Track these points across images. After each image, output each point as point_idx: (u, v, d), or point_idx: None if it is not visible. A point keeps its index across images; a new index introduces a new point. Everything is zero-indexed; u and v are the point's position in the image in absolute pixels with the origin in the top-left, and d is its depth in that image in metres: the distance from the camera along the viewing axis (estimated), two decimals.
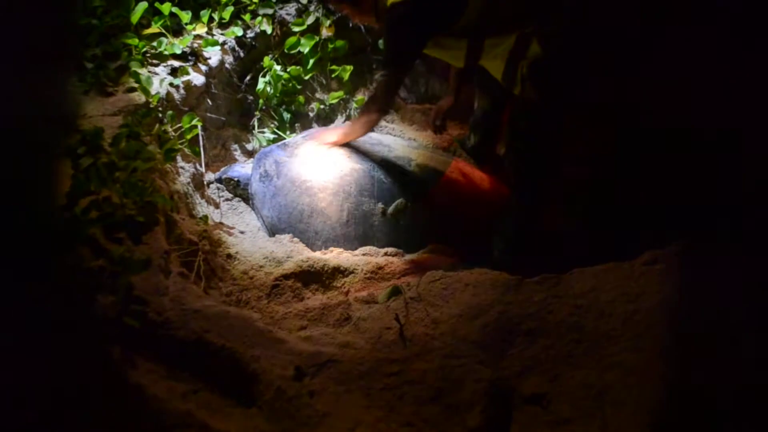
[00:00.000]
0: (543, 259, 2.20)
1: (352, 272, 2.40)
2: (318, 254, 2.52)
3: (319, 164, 2.64)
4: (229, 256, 2.40)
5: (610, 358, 1.66)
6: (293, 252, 2.50)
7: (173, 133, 2.50)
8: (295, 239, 2.58)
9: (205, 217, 2.47)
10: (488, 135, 2.84)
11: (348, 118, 3.28)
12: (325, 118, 3.31)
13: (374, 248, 2.55)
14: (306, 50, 3.09)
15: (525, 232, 2.38)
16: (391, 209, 2.58)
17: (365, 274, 2.39)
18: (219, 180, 2.85)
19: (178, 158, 2.59)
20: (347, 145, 2.68)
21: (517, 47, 2.15)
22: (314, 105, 3.30)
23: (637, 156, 2.57)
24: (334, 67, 3.25)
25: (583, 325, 1.76)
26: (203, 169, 2.71)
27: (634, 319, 1.72)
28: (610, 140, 2.68)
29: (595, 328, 1.74)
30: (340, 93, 3.25)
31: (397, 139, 2.95)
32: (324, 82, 3.33)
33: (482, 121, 2.82)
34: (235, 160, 3.07)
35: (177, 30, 2.84)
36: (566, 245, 2.39)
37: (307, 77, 3.19)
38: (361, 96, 3.31)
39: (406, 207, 2.57)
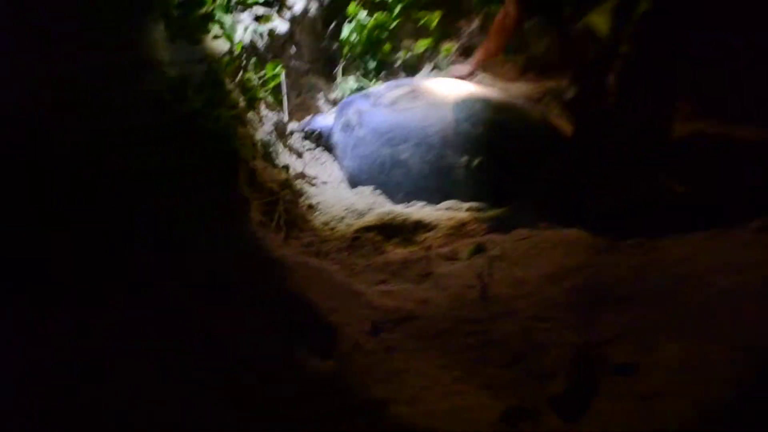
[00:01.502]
0: (637, 221, 2.08)
1: (434, 227, 2.36)
2: (399, 207, 2.49)
3: (403, 114, 2.59)
4: (310, 206, 2.42)
5: (710, 331, 1.54)
6: (374, 204, 2.49)
7: (257, 81, 2.51)
8: (377, 191, 2.56)
9: (287, 167, 2.48)
10: (588, 89, 2.71)
11: (435, 68, 3.19)
12: (412, 67, 3.23)
13: (457, 203, 2.50)
14: None
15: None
16: (475, 162, 2.51)
17: (448, 229, 2.34)
18: (302, 130, 2.86)
19: (261, 106, 2.61)
20: (433, 94, 2.63)
21: (624, 2, 2.13)
22: (400, 53, 3.22)
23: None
24: (421, 13, 3.16)
25: (681, 295, 1.66)
26: (286, 118, 2.72)
27: (738, 292, 1.59)
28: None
29: (695, 298, 1.63)
30: (428, 41, 3.16)
31: (487, 90, 2.84)
32: (411, 29, 3.25)
33: (584, 74, 2.69)
34: (318, 109, 3.07)
35: None
36: (664, 209, 2.26)
37: (393, 25, 3.12)
38: (449, 44, 3.21)
39: (488, 162, 2.50)
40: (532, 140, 2.58)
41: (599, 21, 2.20)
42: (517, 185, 2.51)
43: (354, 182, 2.66)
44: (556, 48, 2.78)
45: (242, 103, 2.32)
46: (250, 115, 2.46)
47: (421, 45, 3.16)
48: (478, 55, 2.97)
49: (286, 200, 2.26)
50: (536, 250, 1.97)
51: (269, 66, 2.52)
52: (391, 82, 2.90)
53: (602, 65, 2.46)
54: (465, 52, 3.23)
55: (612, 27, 2.16)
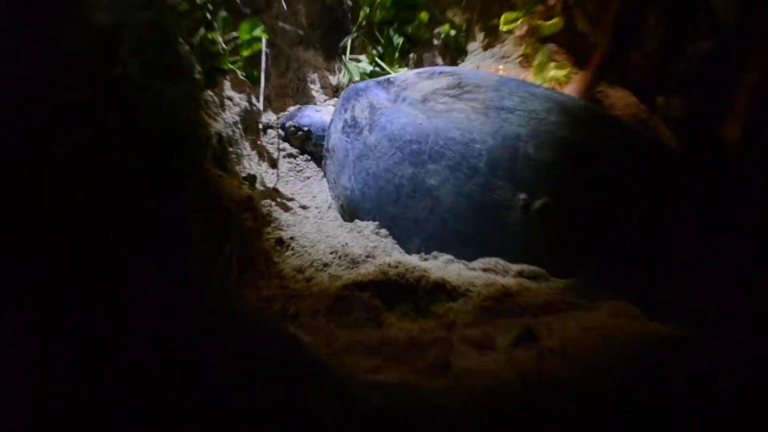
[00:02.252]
0: None
1: (462, 294, 2.34)
2: (414, 258, 2.49)
3: (438, 119, 2.61)
4: (279, 241, 2.43)
5: None
6: (377, 249, 2.49)
7: (224, 46, 2.50)
8: (383, 230, 2.57)
9: (254, 178, 2.48)
10: (705, 97, 2.74)
11: (502, 57, 3.23)
12: (456, 50, 3.24)
13: (502, 262, 2.49)
14: None
15: None
16: (538, 204, 2.49)
17: (483, 300, 2.32)
18: (282, 126, 2.89)
19: (226, 83, 2.60)
20: (486, 94, 2.65)
21: None
22: (441, 29, 3.24)
23: None
24: None
25: None
26: (261, 105, 2.73)
27: None
28: None
29: None
30: (515, 14, 3.17)
31: (569, 97, 2.84)
32: None
33: (691, 74, 2.73)
34: (310, 98, 3.11)
35: None
36: None
37: None
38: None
39: (557, 205, 2.49)
40: (630, 175, 2.57)
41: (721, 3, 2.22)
42: (597, 244, 2.51)
43: (351, 212, 2.66)
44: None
45: (198, 75, 2.30)
46: (209, 94, 2.45)
47: (508, 19, 3.18)
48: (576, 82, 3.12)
49: (246, 227, 2.25)
50: (616, 348, 1.92)
51: (244, 25, 2.51)
52: (425, 69, 2.91)
53: (723, 68, 2.51)
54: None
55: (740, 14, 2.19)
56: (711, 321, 2.28)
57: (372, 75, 3.07)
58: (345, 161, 2.67)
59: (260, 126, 2.75)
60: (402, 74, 2.88)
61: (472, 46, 3.29)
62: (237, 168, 2.54)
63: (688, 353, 1.93)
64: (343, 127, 2.72)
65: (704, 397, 1.86)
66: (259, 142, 2.75)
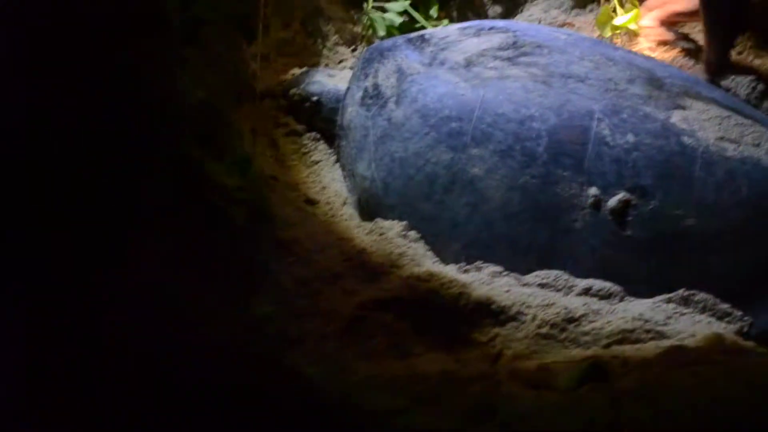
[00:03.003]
0: None
1: (513, 318, 2.39)
2: (452, 270, 2.53)
3: (485, 89, 2.63)
4: (279, 244, 2.45)
5: None
6: (404, 257, 2.52)
7: None
8: (412, 232, 2.61)
9: (247, 162, 2.51)
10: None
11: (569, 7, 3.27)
12: (508, 1, 3.31)
13: (565, 276, 2.53)
14: None
15: None
16: (613, 202, 2.54)
17: (539, 325, 2.37)
18: (285, 94, 2.92)
19: (210, 37, 2.63)
20: (550, 58, 2.71)
21: None
22: None
23: None
24: None
25: None
26: (256, 67, 2.75)
27: None
28: None
29: None
30: None
31: (659, 63, 2.87)
32: None
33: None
34: (322, 58, 3.16)
35: None
36: None
37: None
38: None
39: (639, 203, 2.54)
40: (733, 171, 2.60)
41: None
42: (692, 255, 2.55)
43: (371, 208, 2.70)
44: None
45: (175, 32, 2.35)
46: (189, 52, 2.48)
47: None
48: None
49: (235, 227, 2.30)
50: (708, 387, 1.98)
51: None
52: (471, 24, 2.94)
53: None
54: None
55: None
56: None
57: (403, 29, 3.09)
58: (364, 142, 2.70)
59: (257, 94, 2.76)
60: (441, 29, 2.89)
61: None
62: (226, 146, 2.55)
63: None
64: (362, 98, 2.74)
65: None
66: (254, 113, 2.76)
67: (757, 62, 3.23)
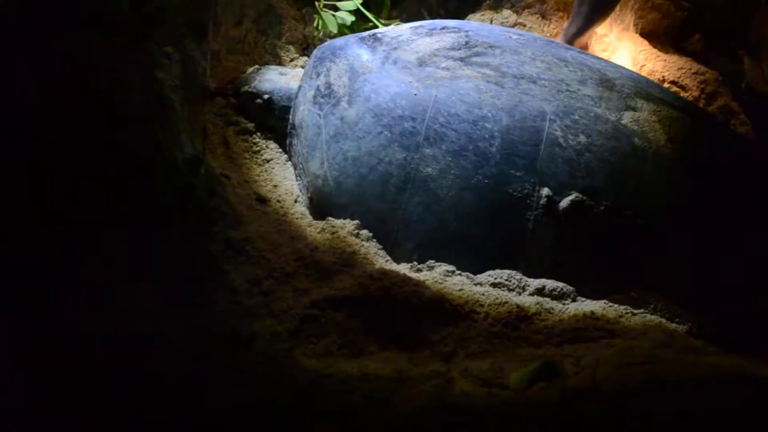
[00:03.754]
0: None
1: (465, 316, 2.39)
2: (404, 269, 2.53)
3: (439, 89, 2.64)
4: (229, 243, 2.44)
5: None
6: (356, 256, 2.51)
7: None
8: (365, 231, 2.60)
9: (197, 161, 2.49)
10: None
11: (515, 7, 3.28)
12: (460, 0, 3.32)
13: (518, 275, 2.54)
14: None
15: None
16: (565, 203, 2.56)
17: (491, 324, 2.37)
18: (236, 92, 2.91)
19: (162, 35, 2.61)
20: (502, 57, 2.72)
21: None
22: None
23: None
24: None
25: None
26: (207, 65, 2.73)
27: None
28: None
29: None
30: None
31: (610, 65, 2.89)
32: None
33: None
34: (273, 57, 3.15)
35: None
36: None
37: None
38: None
39: (591, 202, 2.56)
40: (689, 168, 2.64)
41: None
42: (642, 255, 2.57)
43: (323, 207, 2.70)
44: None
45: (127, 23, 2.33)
46: (140, 50, 2.46)
47: None
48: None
49: (184, 227, 2.30)
50: (659, 389, 2.00)
51: None
52: (424, 23, 2.94)
53: None
54: None
55: None
56: None
57: (355, 28, 3.10)
58: (316, 141, 2.69)
59: (207, 92, 2.75)
60: (393, 28, 2.89)
61: None
62: (175, 147, 2.53)
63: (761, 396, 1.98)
64: (314, 97, 2.74)
65: None
66: (203, 113, 2.73)
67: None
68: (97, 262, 2.10)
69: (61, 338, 1.98)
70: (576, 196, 2.56)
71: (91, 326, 2.00)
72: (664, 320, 2.52)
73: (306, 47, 3.14)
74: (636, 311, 2.51)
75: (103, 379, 1.94)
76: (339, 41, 2.88)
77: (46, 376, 1.93)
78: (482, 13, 3.35)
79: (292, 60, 3.17)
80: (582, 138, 2.58)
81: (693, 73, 3.20)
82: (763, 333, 2.47)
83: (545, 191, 2.57)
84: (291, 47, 3.20)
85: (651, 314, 2.52)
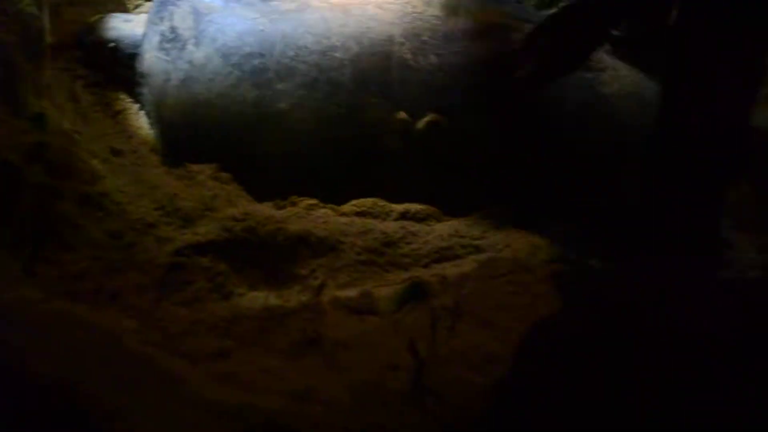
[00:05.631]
0: None
1: (332, 248, 2.40)
2: (267, 207, 2.53)
3: (285, 22, 2.64)
4: (86, 198, 2.40)
5: None
6: (217, 199, 2.51)
7: None
8: (224, 174, 2.61)
9: (42, 117, 2.46)
10: None
11: None
12: None
13: (381, 202, 2.57)
14: None
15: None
16: (422, 125, 2.57)
17: (358, 252, 2.40)
18: (81, 43, 2.87)
19: None
20: None
21: None
22: None
23: None
24: None
25: None
26: (46, 19, 2.68)
27: None
28: None
29: None
30: None
31: None
32: None
33: None
34: (117, 4, 3.12)
35: None
36: None
37: None
38: None
39: (450, 122, 2.59)
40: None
41: None
42: (501, 172, 2.61)
43: (179, 152, 2.68)
44: None
45: None
46: None
47: None
48: None
49: (35, 184, 2.24)
50: (523, 297, 2.06)
51: None
52: None
53: None
54: None
55: None
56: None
57: None
58: (166, 87, 2.68)
59: (47, 46, 2.70)
60: None
61: None
62: (20, 104, 2.50)
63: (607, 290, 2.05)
64: (160, 42, 2.71)
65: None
66: (46, 69, 2.70)
67: None
68: None
69: None
70: (432, 117, 2.58)
71: None
72: (527, 232, 2.56)
73: None
74: (500, 225, 2.55)
75: None
76: None
77: None
78: None
79: (137, 7, 3.15)
80: (433, 58, 2.61)
81: None
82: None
83: (401, 115, 2.59)
84: None
85: (514, 227, 2.56)
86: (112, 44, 2.86)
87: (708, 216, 2.39)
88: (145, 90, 2.79)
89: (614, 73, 2.76)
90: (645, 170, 2.42)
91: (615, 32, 2.68)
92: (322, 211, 2.55)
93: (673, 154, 2.32)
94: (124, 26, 2.89)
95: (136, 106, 2.87)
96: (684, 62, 2.29)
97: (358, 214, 2.55)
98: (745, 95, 2.29)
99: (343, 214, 2.55)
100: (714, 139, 2.27)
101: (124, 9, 3.14)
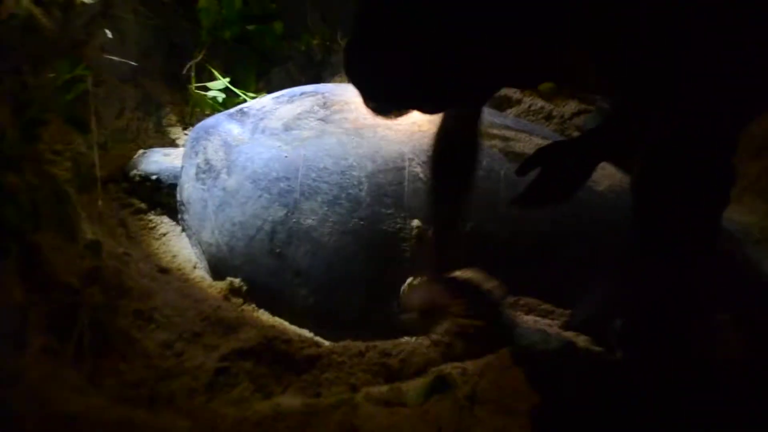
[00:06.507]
0: None
1: (360, 353, 2.49)
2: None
3: (306, 148, 2.73)
4: (139, 314, 2.48)
5: None
6: (256, 310, 2.63)
7: (42, 91, 2.55)
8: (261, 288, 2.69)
9: (97, 244, 2.51)
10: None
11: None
12: (320, 64, 3.45)
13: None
14: None
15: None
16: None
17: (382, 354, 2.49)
18: (126, 177, 2.95)
19: (50, 135, 2.65)
20: (359, 112, 2.76)
21: None
22: (300, 41, 3.49)
23: None
24: None
25: None
26: (95, 156, 2.75)
27: None
28: None
29: None
30: None
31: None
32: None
33: None
34: (153, 140, 3.20)
35: None
36: None
37: None
38: None
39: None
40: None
41: None
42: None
43: (219, 270, 2.75)
44: None
45: (11, 131, 2.36)
46: (29, 152, 2.49)
47: None
48: None
49: (93, 304, 2.31)
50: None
51: (62, 65, 2.59)
52: (284, 92, 3.02)
53: None
54: None
55: None
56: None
57: (226, 105, 3.18)
58: (204, 213, 2.77)
59: (98, 179, 2.78)
60: (257, 101, 2.98)
61: (337, 58, 3.43)
62: (76, 233, 2.56)
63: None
64: (196, 174, 2.82)
65: None
66: (99, 200, 2.74)
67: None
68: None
69: None
70: (419, 225, 2.68)
71: None
72: (539, 318, 2.66)
73: (186, 127, 3.20)
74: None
75: None
76: (210, 120, 2.96)
77: None
78: (339, 75, 3.42)
79: (176, 139, 3.23)
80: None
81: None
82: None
83: (415, 223, 2.67)
84: (172, 129, 3.26)
85: (525, 315, 2.65)
86: (154, 176, 2.95)
87: None
88: (185, 216, 2.88)
89: (603, 172, 2.83)
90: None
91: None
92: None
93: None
94: (164, 160, 2.98)
95: (178, 228, 2.95)
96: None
97: None
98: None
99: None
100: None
101: (164, 143, 3.21)
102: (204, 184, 2.81)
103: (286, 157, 2.74)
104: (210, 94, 3.24)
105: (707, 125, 2.15)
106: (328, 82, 3.42)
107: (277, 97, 2.95)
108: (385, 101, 2.05)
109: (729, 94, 2.07)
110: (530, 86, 3.34)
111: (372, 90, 2.03)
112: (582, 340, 2.57)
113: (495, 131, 2.86)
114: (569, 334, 2.60)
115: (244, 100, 3.20)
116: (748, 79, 2.06)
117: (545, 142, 2.66)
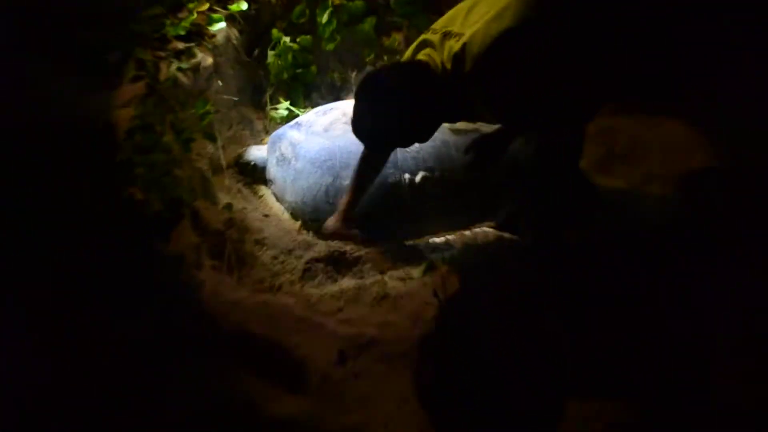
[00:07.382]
0: None
1: (385, 251, 2.55)
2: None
3: (340, 140, 2.74)
4: (257, 242, 2.52)
5: None
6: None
7: (187, 121, 2.60)
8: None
9: (230, 205, 2.58)
10: None
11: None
12: (340, 89, 3.45)
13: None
14: (323, 19, 3.21)
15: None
16: (418, 178, 2.67)
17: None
18: (237, 163, 2.97)
19: (195, 145, 2.69)
20: None
21: None
22: (327, 75, 3.45)
23: None
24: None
25: None
26: (220, 154, 2.83)
27: None
28: None
29: None
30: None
31: None
32: (343, 48, 3.39)
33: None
34: (250, 141, 3.19)
35: (177, 7, 2.93)
36: None
37: (330, 47, 3.29)
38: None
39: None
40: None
41: None
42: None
43: (296, 215, 2.79)
44: None
45: (176, 145, 2.41)
46: (185, 156, 2.54)
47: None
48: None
49: (233, 239, 2.36)
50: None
51: (198, 103, 2.63)
52: (320, 108, 3.02)
53: None
54: None
55: None
56: None
57: (289, 117, 3.18)
58: (285, 185, 2.80)
59: (223, 167, 2.84)
60: (305, 116, 2.98)
61: (349, 85, 3.46)
62: (215, 200, 2.62)
63: None
64: (277, 162, 2.84)
65: None
66: (224, 179, 2.83)
67: None
68: (177, 266, 2.07)
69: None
70: (424, 174, 2.70)
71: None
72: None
73: (268, 132, 3.21)
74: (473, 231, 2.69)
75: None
76: (280, 130, 2.96)
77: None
78: (350, 96, 3.41)
79: (262, 140, 3.22)
80: (416, 145, 2.63)
81: None
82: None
83: (406, 175, 2.69)
84: (261, 133, 3.28)
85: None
86: (253, 162, 2.98)
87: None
88: (273, 186, 2.92)
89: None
90: None
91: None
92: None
93: None
94: (257, 153, 2.99)
95: (269, 192, 2.96)
96: None
97: None
98: None
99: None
100: None
101: (256, 142, 3.20)
102: (282, 167, 2.83)
103: (329, 146, 2.75)
104: (278, 113, 3.26)
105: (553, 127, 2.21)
106: (345, 99, 3.36)
107: (317, 112, 2.96)
108: None
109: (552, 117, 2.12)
110: None
111: None
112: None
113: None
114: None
115: (297, 115, 3.20)
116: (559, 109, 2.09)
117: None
